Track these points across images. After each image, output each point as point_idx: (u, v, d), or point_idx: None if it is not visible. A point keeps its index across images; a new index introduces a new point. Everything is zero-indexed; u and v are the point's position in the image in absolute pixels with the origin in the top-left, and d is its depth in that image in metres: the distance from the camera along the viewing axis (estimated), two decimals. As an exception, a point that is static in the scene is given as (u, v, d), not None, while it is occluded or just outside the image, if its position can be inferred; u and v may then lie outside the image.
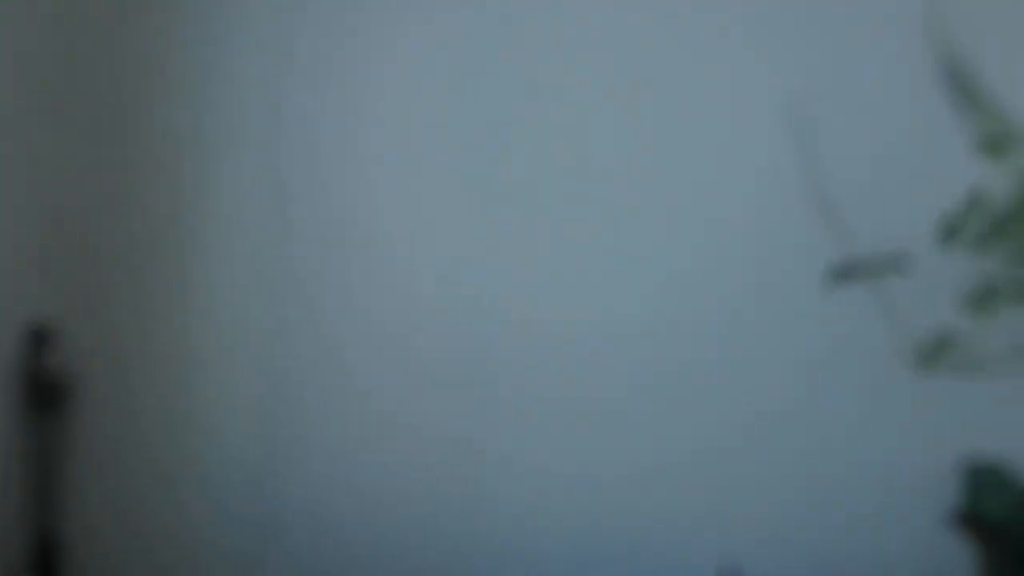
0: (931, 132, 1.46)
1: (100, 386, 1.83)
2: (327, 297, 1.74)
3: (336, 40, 1.72)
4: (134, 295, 1.81)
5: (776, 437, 1.53)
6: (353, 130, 1.72)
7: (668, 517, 1.58)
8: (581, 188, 1.63)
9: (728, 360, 1.55)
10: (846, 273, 1.29)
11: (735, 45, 1.54)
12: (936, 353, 1.29)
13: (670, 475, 1.58)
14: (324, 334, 1.74)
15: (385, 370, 1.71)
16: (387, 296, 1.71)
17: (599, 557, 1.61)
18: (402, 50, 1.69)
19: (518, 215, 1.65)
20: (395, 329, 1.70)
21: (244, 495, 1.77)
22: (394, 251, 1.71)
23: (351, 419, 1.73)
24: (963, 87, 1.41)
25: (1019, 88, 1.42)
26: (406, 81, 1.69)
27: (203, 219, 1.78)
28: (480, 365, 1.67)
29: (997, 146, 1.31)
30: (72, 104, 1.82)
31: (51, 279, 1.83)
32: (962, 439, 1.44)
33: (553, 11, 1.62)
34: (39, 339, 1.78)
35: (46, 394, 1.78)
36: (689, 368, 1.57)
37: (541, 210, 1.64)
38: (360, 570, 1.70)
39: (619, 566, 1.60)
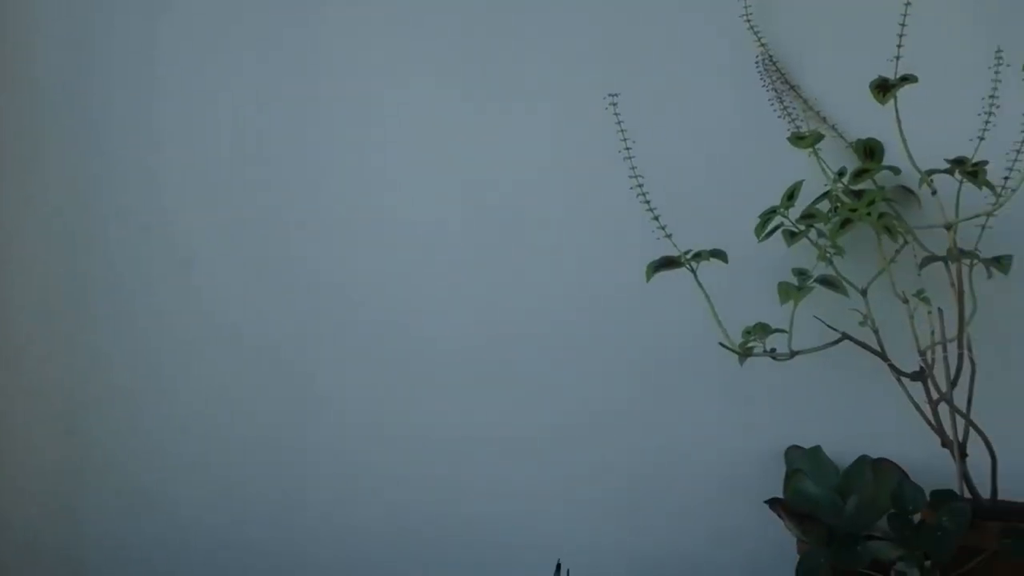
0: (753, 127, 1.52)
1: None
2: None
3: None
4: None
5: (606, 428, 1.60)
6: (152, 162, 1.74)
7: (508, 507, 1.64)
8: (420, 189, 1.66)
9: (560, 355, 1.61)
10: (666, 265, 1.36)
11: (559, 45, 1.59)
12: (753, 342, 1.36)
13: (511, 465, 1.63)
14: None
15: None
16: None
17: (437, 548, 1.66)
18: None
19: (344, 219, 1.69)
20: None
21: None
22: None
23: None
24: (780, 81, 1.48)
25: (833, 82, 1.49)
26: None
27: None
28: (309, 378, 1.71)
29: (808, 139, 1.38)
30: None
31: None
32: (784, 426, 1.52)
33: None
34: None
35: None
36: (523, 364, 1.62)
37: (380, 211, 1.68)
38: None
39: (456, 553, 1.65)
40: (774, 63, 1.53)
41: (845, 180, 1.44)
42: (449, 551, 1.67)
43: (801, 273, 1.39)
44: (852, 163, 1.47)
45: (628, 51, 1.59)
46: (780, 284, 1.37)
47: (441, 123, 1.65)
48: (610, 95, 1.41)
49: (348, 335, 1.70)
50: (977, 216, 1.36)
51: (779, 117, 1.50)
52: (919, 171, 1.39)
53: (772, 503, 1.38)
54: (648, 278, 1.37)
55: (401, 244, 1.67)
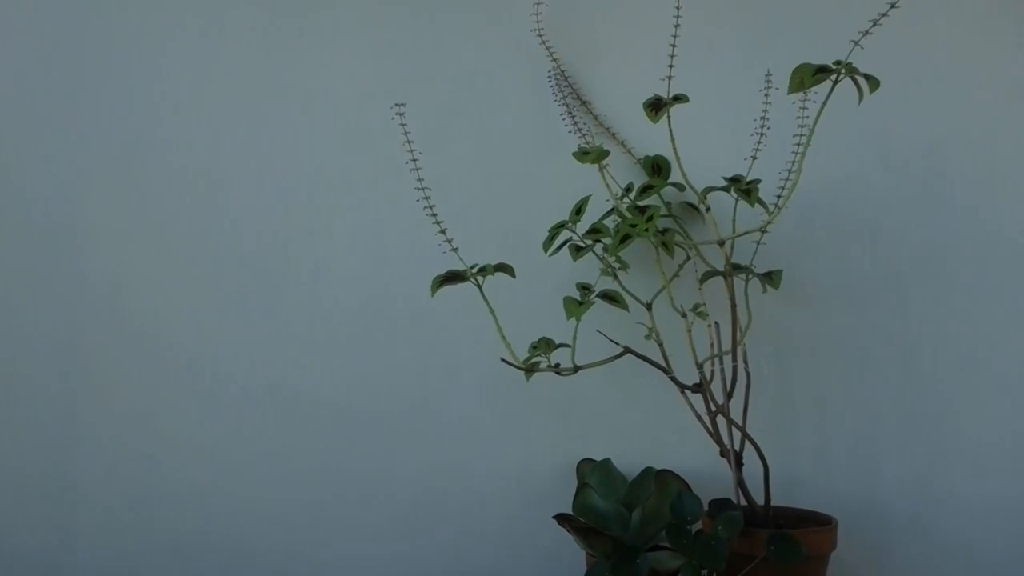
0: (545, 141, 1.53)
1: None
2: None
3: None
4: None
5: (390, 444, 1.56)
6: None
7: (286, 523, 1.56)
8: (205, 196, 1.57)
9: (343, 371, 1.56)
10: (452, 279, 1.34)
11: (349, 53, 1.55)
12: (539, 356, 1.37)
13: (295, 484, 1.57)
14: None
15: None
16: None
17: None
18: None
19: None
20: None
21: None
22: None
23: None
24: (572, 97, 1.50)
25: (622, 99, 1.51)
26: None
27: None
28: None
29: (592, 155, 1.40)
30: None
31: None
32: (577, 439, 1.54)
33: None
34: None
35: None
36: (302, 379, 1.56)
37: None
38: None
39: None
40: (566, 78, 1.54)
41: (632, 196, 1.46)
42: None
43: (584, 288, 1.40)
44: (641, 179, 1.50)
45: (419, 60, 1.56)
46: (565, 299, 1.37)
47: (219, 127, 1.57)
48: (397, 104, 1.38)
49: (114, 345, 1.57)
50: (748, 232, 1.41)
51: (570, 132, 1.51)
52: (693, 188, 1.43)
53: (560, 518, 1.38)
54: (433, 293, 1.34)
55: (181, 255, 1.57)
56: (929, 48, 1.56)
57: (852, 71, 1.27)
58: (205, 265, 1.56)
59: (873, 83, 1.27)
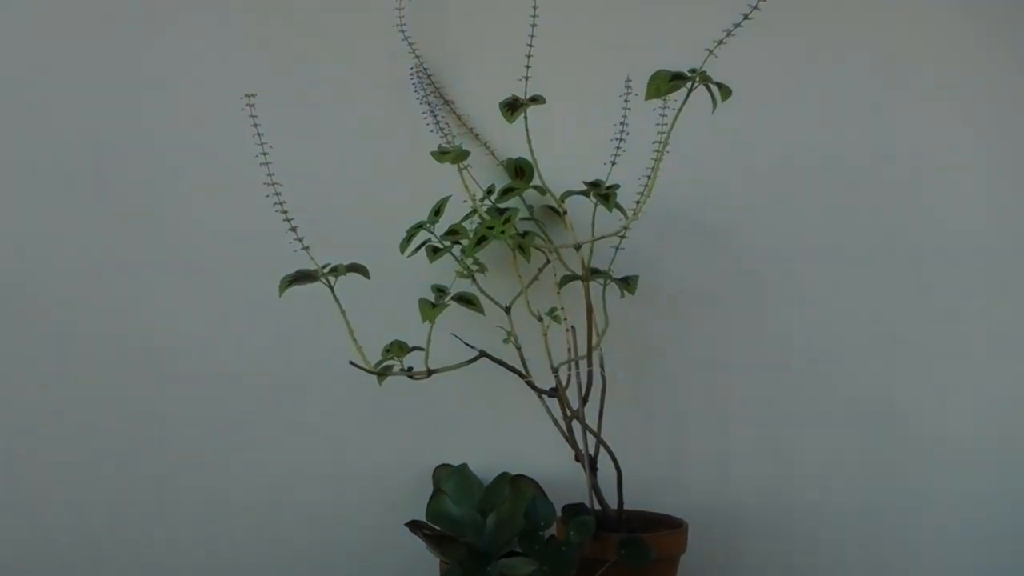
0: (407, 139, 1.49)
1: None
2: None
3: None
4: None
5: (238, 452, 1.48)
6: None
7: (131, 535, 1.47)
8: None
9: (189, 375, 1.47)
10: (301, 279, 1.28)
11: (198, 45, 1.49)
12: (392, 359, 1.32)
13: (137, 488, 1.48)
14: None
15: None
16: None
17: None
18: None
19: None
20: None
21: None
22: None
23: None
24: (434, 95, 1.47)
25: (487, 100, 1.45)
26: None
27: None
28: None
29: (450, 155, 1.37)
30: None
31: None
32: (434, 444, 1.51)
33: None
34: None
35: None
36: (143, 382, 1.46)
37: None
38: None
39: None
40: (429, 76, 1.51)
41: (493, 198, 1.44)
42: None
43: (440, 290, 1.37)
44: (505, 182, 1.48)
45: (276, 50, 1.50)
46: (420, 301, 1.34)
47: (63, 114, 1.47)
48: (247, 95, 1.32)
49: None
50: (605, 237, 1.42)
51: (432, 131, 1.48)
52: (551, 192, 1.42)
53: (412, 525, 1.35)
54: (281, 292, 1.29)
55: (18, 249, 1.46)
56: (786, 57, 1.61)
57: (706, 79, 1.29)
58: (46, 259, 1.46)
59: (725, 92, 1.29)
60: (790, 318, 1.62)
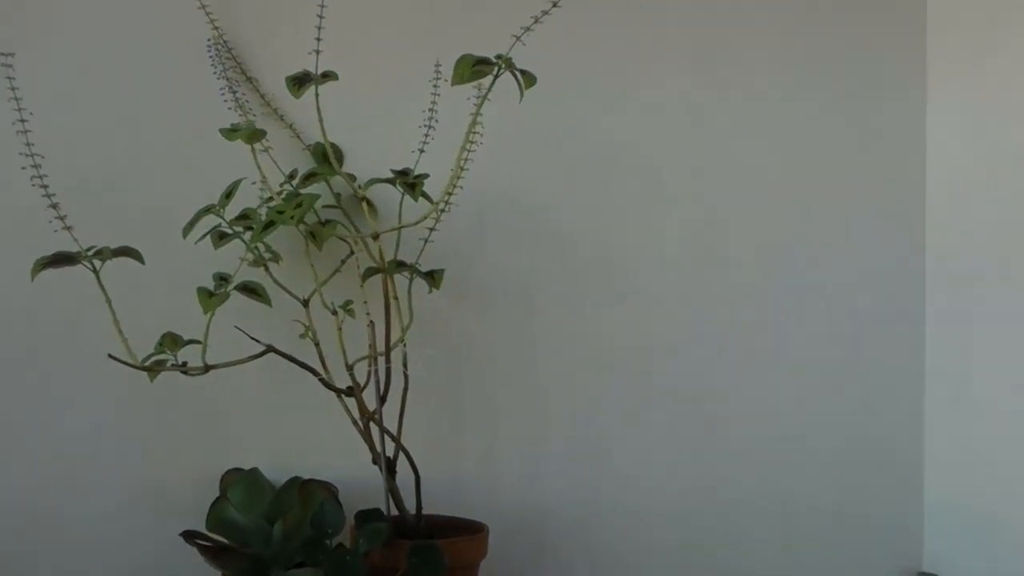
0: (199, 117, 1.37)
1: None
2: None
3: None
4: None
5: (7, 456, 1.32)
6: None
7: None
8: None
9: None
10: (60, 261, 1.15)
11: None
12: (165, 353, 1.21)
13: None
14: None
15: None
16: None
17: None
18: None
19: None
20: None
21: None
22: None
23: None
24: (235, 71, 1.38)
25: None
26: None
27: None
28: None
29: (242, 133, 1.28)
30: None
31: None
32: (224, 447, 1.38)
33: None
34: None
35: None
36: None
37: None
38: None
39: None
40: (229, 50, 1.40)
41: (295, 183, 1.35)
42: None
43: (223, 279, 1.27)
44: (310, 166, 1.39)
45: (43, 4, 1.34)
46: (199, 290, 1.23)
47: None
48: (3, 54, 1.17)
49: None
50: (405, 227, 1.35)
51: (230, 109, 1.37)
52: (344, 176, 1.35)
53: (187, 536, 1.24)
54: (33, 276, 1.15)
55: None
56: (602, 50, 1.59)
57: (511, 66, 1.24)
58: None
59: (529, 79, 1.24)
60: (609, 316, 1.60)
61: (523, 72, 1.24)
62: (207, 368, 1.23)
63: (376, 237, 1.31)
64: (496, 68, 1.24)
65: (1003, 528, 1.66)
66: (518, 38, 1.25)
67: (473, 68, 1.22)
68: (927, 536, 1.77)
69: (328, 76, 1.24)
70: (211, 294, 1.20)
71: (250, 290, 1.25)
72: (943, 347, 1.76)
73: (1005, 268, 1.66)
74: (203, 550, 1.23)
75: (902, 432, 1.78)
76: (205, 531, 1.29)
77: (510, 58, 1.24)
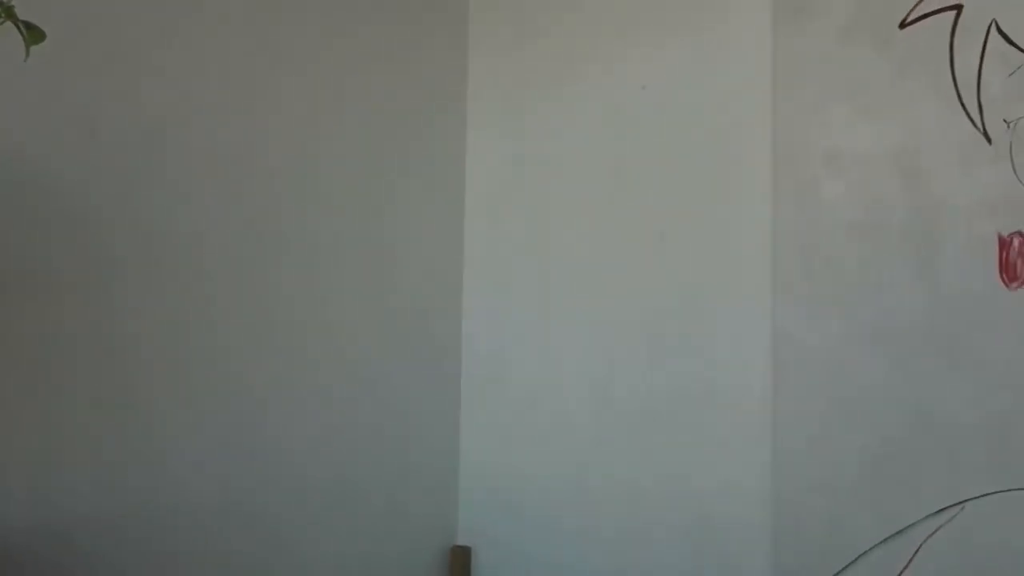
0: None
1: None
2: None
3: None
4: None
5: None
6: None
7: None
8: None
9: None
10: None
11: None
12: None
13: None
14: None
15: None
16: None
17: None
18: None
19: None
20: None
21: None
22: None
23: None
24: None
25: None
26: None
27: None
28: None
29: None
30: None
31: None
32: None
33: None
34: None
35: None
36: None
37: None
38: None
39: None
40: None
41: None
42: None
43: None
44: None
45: None
46: None
47: None
48: None
49: None
50: None
51: None
52: None
53: None
54: None
55: None
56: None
57: (12, 16, 1.09)
58: None
59: (37, 34, 1.10)
60: (153, 308, 1.48)
61: (28, 25, 1.10)
62: None
63: None
64: (-2, 18, 1.08)
65: (528, 503, 1.84)
66: (18, -12, 1.10)
67: (-48, 16, 1.06)
68: (461, 513, 1.91)
69: None
70: None
71: None
72: (476, 343, 1.93)
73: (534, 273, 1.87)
74: None
75: (439, 420, 1.90)
76: None
77: (12, 6, 1.09)
